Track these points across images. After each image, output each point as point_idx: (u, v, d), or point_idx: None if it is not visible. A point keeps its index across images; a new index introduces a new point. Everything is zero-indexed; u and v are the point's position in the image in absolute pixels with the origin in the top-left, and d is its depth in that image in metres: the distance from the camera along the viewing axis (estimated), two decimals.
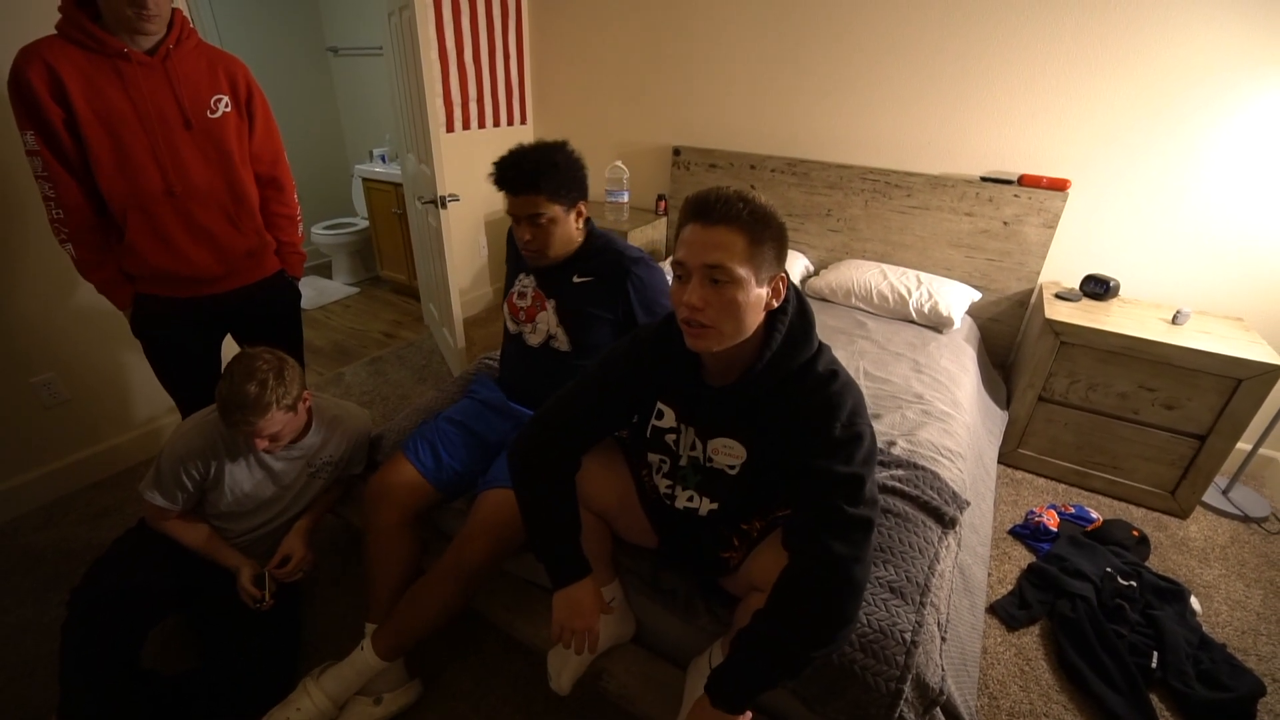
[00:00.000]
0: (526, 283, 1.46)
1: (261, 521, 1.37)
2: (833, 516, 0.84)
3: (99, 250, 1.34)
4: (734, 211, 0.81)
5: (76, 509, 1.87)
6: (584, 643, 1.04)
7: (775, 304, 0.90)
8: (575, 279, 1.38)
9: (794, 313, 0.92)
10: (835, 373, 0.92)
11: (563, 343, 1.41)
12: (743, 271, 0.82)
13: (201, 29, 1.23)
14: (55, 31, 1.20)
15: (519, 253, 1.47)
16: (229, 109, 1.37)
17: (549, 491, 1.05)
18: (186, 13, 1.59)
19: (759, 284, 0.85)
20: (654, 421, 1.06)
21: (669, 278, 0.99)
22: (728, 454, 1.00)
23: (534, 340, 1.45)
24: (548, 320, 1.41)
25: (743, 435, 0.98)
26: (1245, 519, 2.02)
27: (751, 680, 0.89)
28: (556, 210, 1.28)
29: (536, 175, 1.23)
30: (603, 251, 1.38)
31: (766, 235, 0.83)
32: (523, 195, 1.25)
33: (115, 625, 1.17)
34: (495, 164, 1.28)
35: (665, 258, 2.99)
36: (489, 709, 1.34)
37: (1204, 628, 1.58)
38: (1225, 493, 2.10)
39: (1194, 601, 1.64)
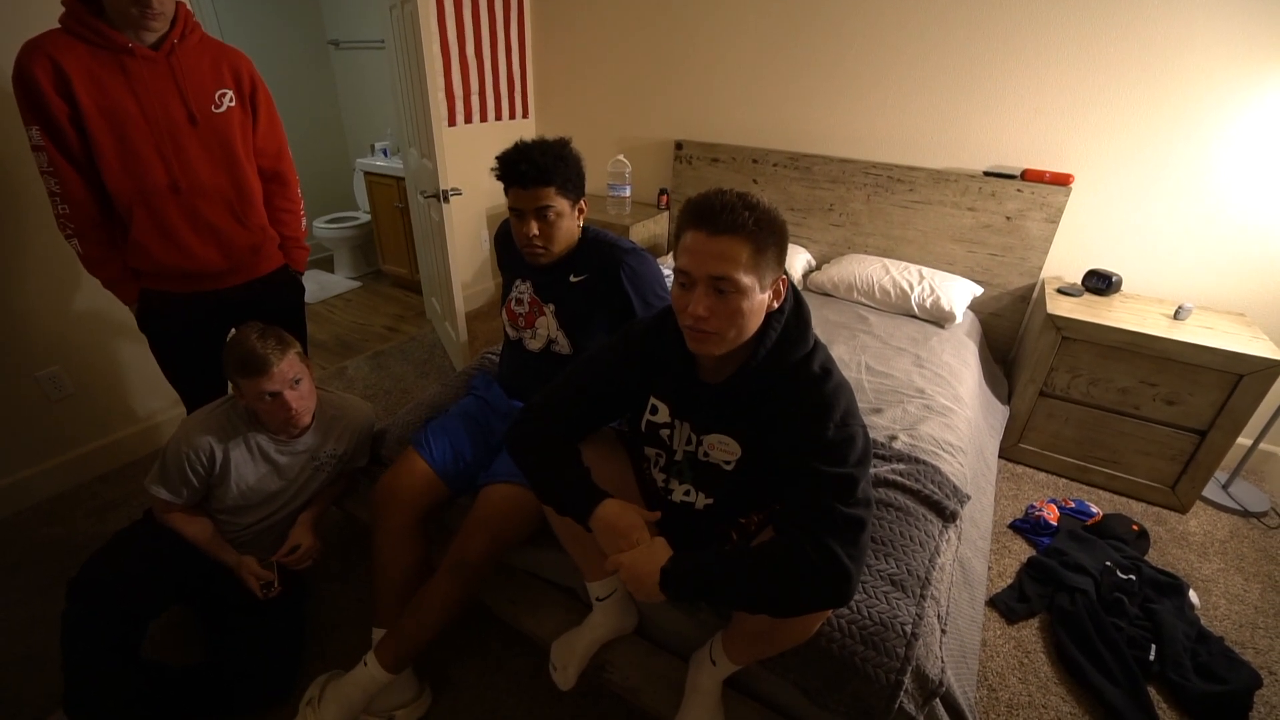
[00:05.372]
0: (523, 289, 1.44)
1: (267, 514, 1.38)
2: (827, 515, 0.83)
3: (105, 246, 1.34)
4: (739, 221, 0.80)
5: (83, 502, 1.88)
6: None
7: (776, 305, 0.90)
8: (572, 278, 1.37)
9: (790, 311, 0.93)
10: (829, 371, 0.92)
11: (564, 346, 1.41)
12: (748, 280, 0.82)
13: (203, 21, 1.23)
14: (59, 25, 1.20)
15: (513, 257, 1.46)
16: (233, 104, 1.37)
17: (549, 455, 1.03)
18: (189, 5, 1.59)
19: (762, 290, 0.85)
20: (648, 416, 1.06)
21: (664, 270, 1.00)
22: (723, 450, 1.00)
23: (534, 345, 1.45)
24: (548, 325, 1.41)
25: (738, 432, 0.98)
26: (1245, 514, 2.02)
27: (704, 580, 0.89)
28: (564, 204, 1.28)
29: (550, 167, 1.23)
30: (594, 246, 1.37)
31: (770, 242, 0.83)
32: (534, 188, 1.23)
33: (113, 615, 1.16)
34: (502, 157, 1.25)
35: (667, 253, 2.98)
36: (493, 701, 1.35)
37: (1202, 621, 1.59)
38: (1225, 487, 2.11)
39: (1192, 595, 1.66)
